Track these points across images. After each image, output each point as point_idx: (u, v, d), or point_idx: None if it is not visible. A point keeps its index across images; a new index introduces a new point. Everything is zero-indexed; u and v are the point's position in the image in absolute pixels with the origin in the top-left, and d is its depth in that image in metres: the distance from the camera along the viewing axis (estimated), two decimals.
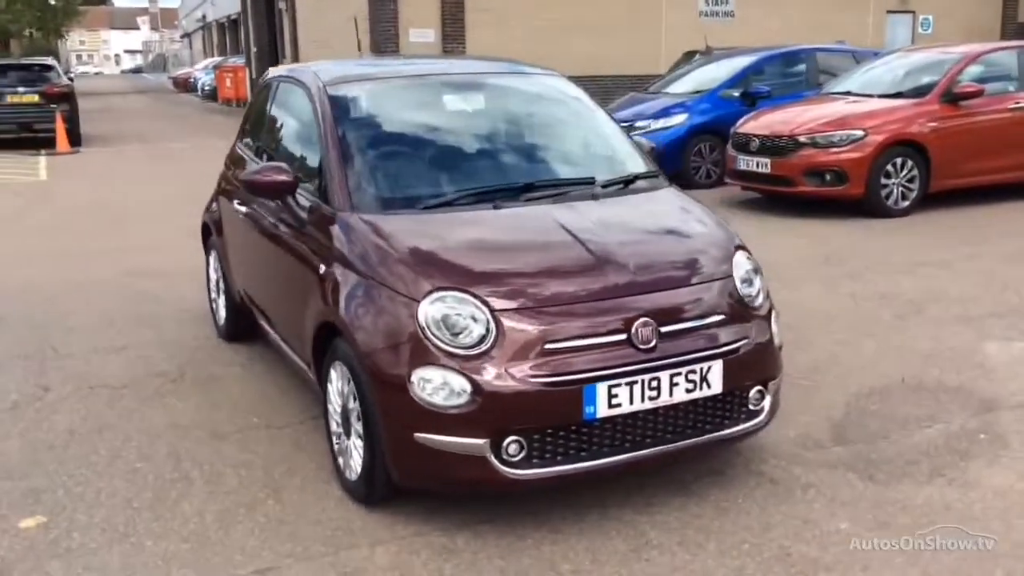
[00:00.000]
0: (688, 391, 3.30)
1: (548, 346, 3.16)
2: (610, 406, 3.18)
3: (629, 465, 3.33)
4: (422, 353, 3.15)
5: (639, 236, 3.70)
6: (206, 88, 34.63)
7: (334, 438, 3.69)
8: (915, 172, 8.86)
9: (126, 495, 3.67)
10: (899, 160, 8.80)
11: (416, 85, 4.45)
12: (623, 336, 3.23)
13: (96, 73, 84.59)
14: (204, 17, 52.14)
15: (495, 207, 3.71)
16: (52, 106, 17.57)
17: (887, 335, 5.45)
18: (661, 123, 11.16)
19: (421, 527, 3.39)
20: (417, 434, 3.17)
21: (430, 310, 3.18)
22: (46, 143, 17.38)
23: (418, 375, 3.13)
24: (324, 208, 3.79)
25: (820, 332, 5.55)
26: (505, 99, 4.49)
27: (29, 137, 17.85)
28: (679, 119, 11.15)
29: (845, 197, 8.92)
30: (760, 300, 3.64)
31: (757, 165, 9.33)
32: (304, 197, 3.98)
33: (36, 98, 17.66)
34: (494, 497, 3.49)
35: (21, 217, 10.52)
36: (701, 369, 3.31)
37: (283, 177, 3.92)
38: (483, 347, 3.13)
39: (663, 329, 3.29)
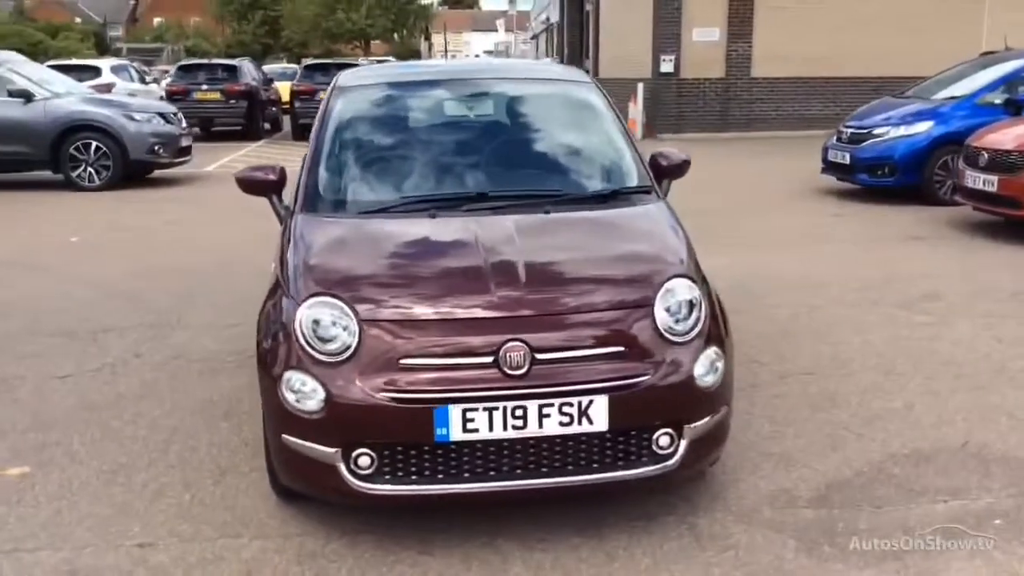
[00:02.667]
0: (563, 424, 3.06)
1: (404, 361, 3.07)
2: (465, 430, 3.03)
3: (496, 495, 3.15)
4: (293, 356, 3.18)
5: (558, 255, 3.47)
6: None
7: None
8: None
9: (105, 459, 4.03)
10: None
11: (422, 90, 4.44)
12: (490, 359, 3.06)
13: None
14: (548, 19, 54.44)
15: (431, 216, 3.65)
16: None
17: (994, 390, 4.64)
18: (902, 131, 10.13)
19: (311, 527, 3.42)
20: (284, 435, 3.22)
21: (306, 314, 3.21)
22: None
23: (286, 377, 3.17)
24: (291, 208, 3.93)
25: (922, 377, 4.85)
26: (507, 107, 4.36)
27: None
28: (922, 127, 10.04)
29: None
30: (688, 336, 3.25)
31: (984, 183, 8.20)
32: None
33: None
34: (402, 511, 3.44)
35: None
36: (580, 403, 3.05)
37: (268, 176, 4.09)
38: (344, 356, 3.11)
39: (540, 356, 3.07)
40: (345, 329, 3.15)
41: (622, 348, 3.15)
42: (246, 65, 22.08)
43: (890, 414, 4.37)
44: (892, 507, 3.51)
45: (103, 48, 57.15)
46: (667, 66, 18.96)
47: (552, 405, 3.05)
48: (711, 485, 3.69)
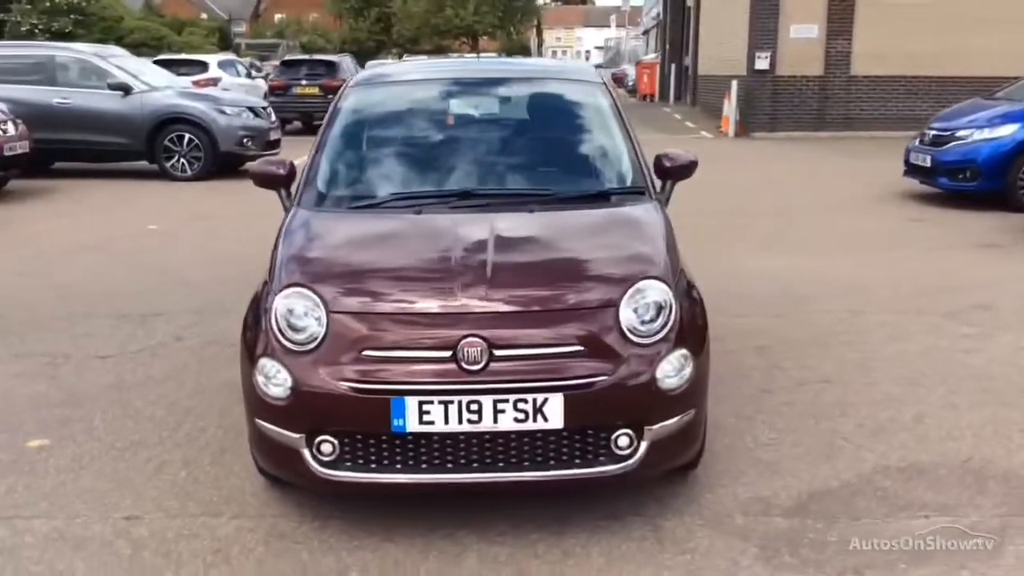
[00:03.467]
0: (518, 421, 3.10)
1: (366, 353, 3.16)
2: (421, 422, 3.11)
3: (453, 487, 3.23)
4: (267, 344, 3.30)
5: (531, 255, 3.51)
6: (629, 83, 35.96)
7: None
8: None
9: (119, 436, 4.25)
10: None
11: (426, 89, 4.51)
12: (448, 353, 3.12)
13: None
14: (658, 15, 54.04)
15: (417, 212, 3.73)
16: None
17: (1017, 406, 4.46)
18: (986, 134, 9.71)
19: (288, 510, 3.55)
20: (256, 419, 3.35)
21: (281, 304, 3.32)
22: None
23: (260, 363, 3.29)
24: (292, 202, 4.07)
25: (945, 389, 4.69)
26: (507, 106, 4.40)
27: None
28: (1008, 130, 9.61)
29: None
30: (654, 337, 3.23)
31: None
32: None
33: None
34: (368, 498, 3.52)
35: None
36: (534, 400, 3.09)
37: (278, 171, 4.22)
38: (312, 345, 3.22)
39: (498, 352, 3.11)
40: (317, 320, 3.26)
41: (581, 347, 3.17)
42: (345, 61, 22.60)
43: (897, 426, 4.24)
44: (870, 520, 3.43)
45: (225, 44, 59.07)
46: (762, 63, 18.60)
47: (507, 401, 3.09)
48: (690, 488, 3.67)
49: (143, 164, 13.22)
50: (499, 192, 3.89)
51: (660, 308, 3.29)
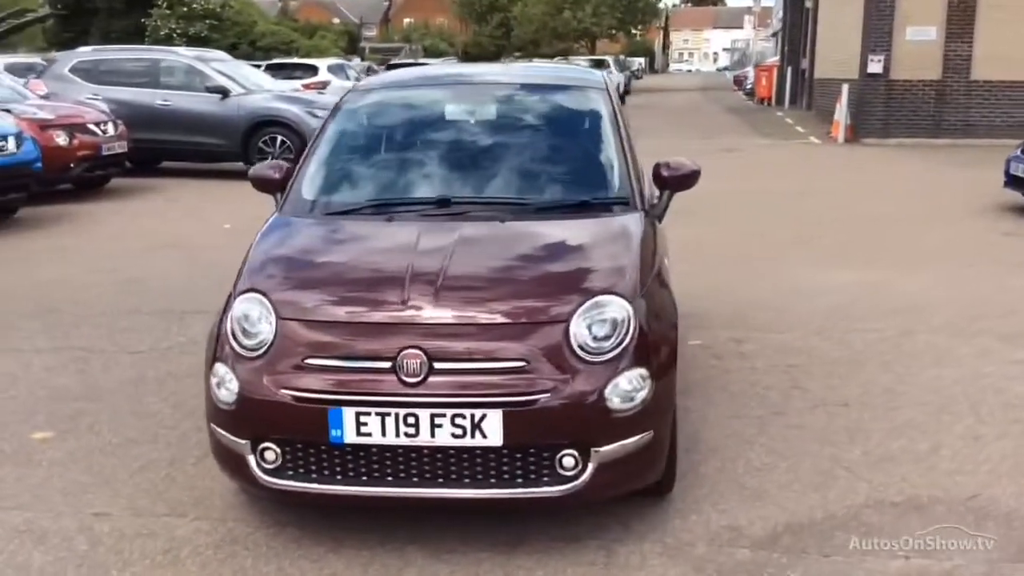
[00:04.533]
0: (455, 436, 3.02)
1: (309, 361, 3.13)
2: (359, 434, 3.06)
3: (392, 500, 3.16)
4: (222, 349, 3.32)
5: (488, 266, 3.40)
6: (748, 86, 35.14)
7: None
8: None
9: (119, 432, 4.33)
10: None
11: (419, 96, 4.46)
12: (388, 364, 3.06)
13: (688, 71, 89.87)
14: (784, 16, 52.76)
15: (388, 220, 3.69)
16: None
17: None
18: None
19: (250, 515, 3.54)
20: (211, 424, 3.37)
21: (238, 309, 3.34)
22: None
23: (215, 368, 3.31)
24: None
25: (973, 418, 4.38)
26: (498, 114, 4.29)
27: None
28: None
29: None
30: (605, 355, 3.09)
31: None
32: None
33: None
34: (313, 507, 3.48)
35: None
36: (472, 416, 3.00)
37: (273, 175, 4.25)
38: (260, 352, 3.21)
39: (438, 365, 3.04)
40: (270, 325, 3.25)
41: (525, 363, 3.06)
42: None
43: (907, 456, 3.96)
44: (842, 558, 3.20)
45: (353, 48, 60.51)
46: (875, 67, 17.85)
47: (444, 416, 3.01)
48: (662, 513, 3.51)
49: (239, 165, 13.63)
50: (476, 200, 3.81)
51: (616, 325, 3.15)
